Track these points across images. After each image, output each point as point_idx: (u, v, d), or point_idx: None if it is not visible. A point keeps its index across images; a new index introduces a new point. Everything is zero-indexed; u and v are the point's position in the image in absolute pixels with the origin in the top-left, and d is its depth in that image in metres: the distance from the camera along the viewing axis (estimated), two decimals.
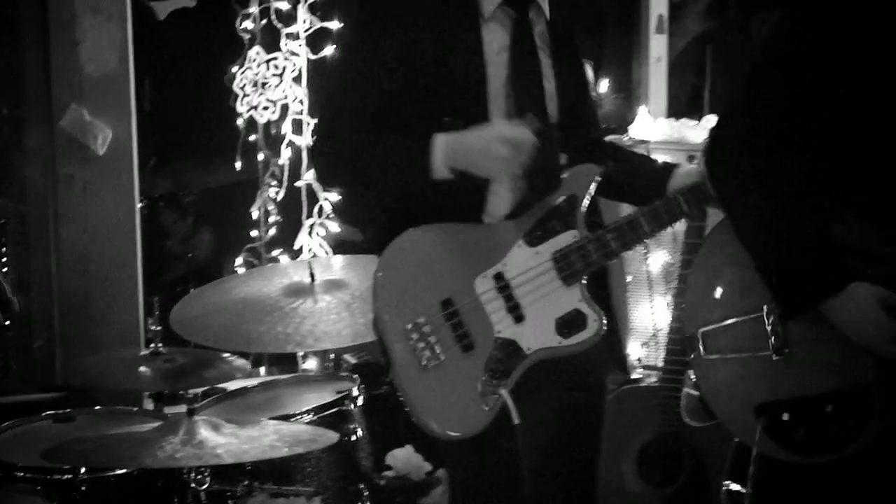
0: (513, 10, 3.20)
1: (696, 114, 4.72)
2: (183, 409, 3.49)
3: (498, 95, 3.18)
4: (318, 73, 4.84)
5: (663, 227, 3.23)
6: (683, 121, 4.61)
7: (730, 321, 2.99)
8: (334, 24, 4.88)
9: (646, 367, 4.69)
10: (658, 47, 4.97)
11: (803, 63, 2.84)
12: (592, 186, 3.22)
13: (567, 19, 3.36)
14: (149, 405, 4.23)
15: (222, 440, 3.29)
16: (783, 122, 2.85)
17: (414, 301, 3.08)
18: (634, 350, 4.79)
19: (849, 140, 2.86)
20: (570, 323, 3.13)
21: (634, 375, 4.62)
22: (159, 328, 3.91)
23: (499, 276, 3.13)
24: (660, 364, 4.22)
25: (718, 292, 3.02)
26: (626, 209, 3.30)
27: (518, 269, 3.15)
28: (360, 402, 3.98)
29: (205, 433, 3.29)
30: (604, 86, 4.70)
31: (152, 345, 3.90)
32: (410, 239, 3.11)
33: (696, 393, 3.97)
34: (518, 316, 3.13)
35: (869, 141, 2.86)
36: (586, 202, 3.21)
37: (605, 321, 3.11)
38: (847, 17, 2.81)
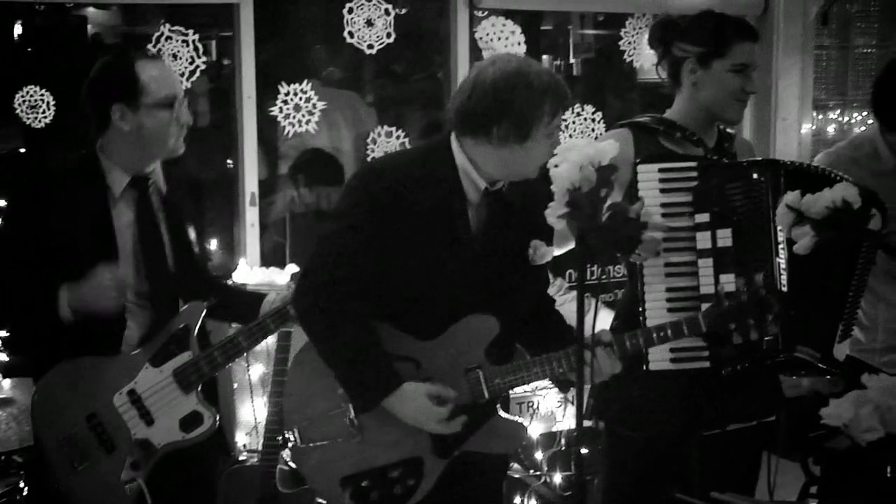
0: (136, 190, 3.19)
1: (281, 264, 4.75)
2: None
3: (128, 257, 3.16)
4: None
5: (257, 342, 3.28)
6: (272, 269, 4.63)
7: (319, 418, 2.96)
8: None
9: (249, 451, 4.60)
10: (252, 216, 4.99)
11: (360, 229, 2.86)
12: (201, 317, 3.23)
13: (179, 197, 3.36)
14: None
15: None
16: (341, 273, 2.86)
17: (65, 418, 3.07)
18: (241, 438, 4.69)
19: (393, 284, 2.92)
20: (190, 421, 3.15)
21: (241, 458, 4.53)
22: None
23: (132, 392, 3.13)
24: (259, 448, 4.14)
25: (309, 396, 2.99)
26: None
27: (147, 384, 3.15)
28: (25, 492, 3.80)
29: None
30: (214, 244, 4.67)
31: None
32: (61, 371, 3.09)
33: (286, 468, 3.95)
34: (149, 420, 3.13)
35: (402, 281, 2.92)
36: (196, 330, 3.22)
37: (217, 416, 3.14)
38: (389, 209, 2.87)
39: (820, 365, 3.18)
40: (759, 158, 3.35)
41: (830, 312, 3.17)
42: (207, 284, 3.43)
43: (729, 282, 3.05)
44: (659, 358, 3.15)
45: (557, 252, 3.25)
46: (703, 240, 3.13)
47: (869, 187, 3.10)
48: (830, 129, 6.40)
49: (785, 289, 3.08)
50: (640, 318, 3.15)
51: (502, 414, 3.02)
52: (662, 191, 3.16)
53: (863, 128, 6.08)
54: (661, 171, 3.15)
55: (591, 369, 2.81)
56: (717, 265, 3.11)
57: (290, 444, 3.00)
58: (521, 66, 2.85)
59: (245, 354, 4.45)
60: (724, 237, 3.12)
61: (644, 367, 3.15)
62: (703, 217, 3.14)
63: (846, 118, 6.44)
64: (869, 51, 6.41)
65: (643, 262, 3.12)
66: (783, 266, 3.08)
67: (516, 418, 3.10)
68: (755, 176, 3.12)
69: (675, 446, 3.30)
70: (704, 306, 3.00)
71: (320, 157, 5.55)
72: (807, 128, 6.15)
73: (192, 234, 3.38)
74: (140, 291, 3.20)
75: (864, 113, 6.33)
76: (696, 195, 3.14)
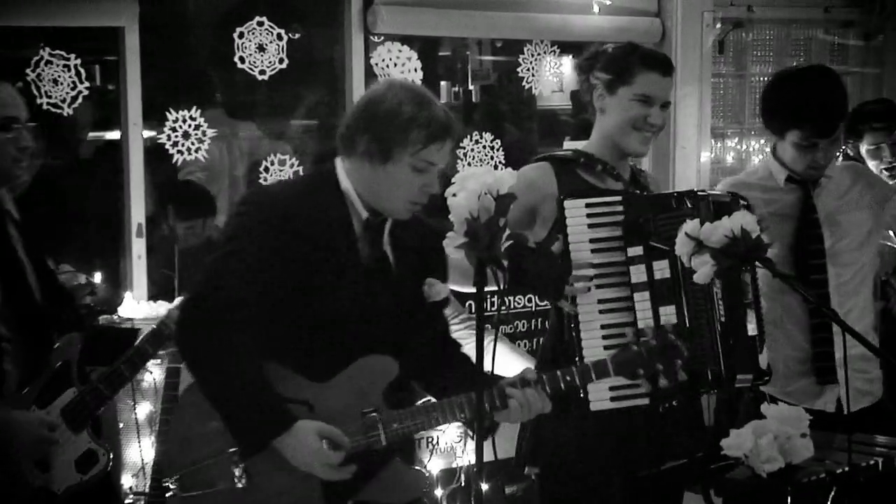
0: None
1: (171, 297, 4.65)
2: None
3: None
4: None
5: (139, 369, 3.21)
6: (160, 302, 4.54)
7: (200, 464, 2.76)
8: None
9: (136, 494, 4.49)
10: (139, 248, 4.89)
11: (244, 257, 2.75)
12: (78, 350, 3.14)
13: (35, 224, 3.27)
14: None
15: None
16: (225, 302, 2.73)
17: None
18: (127, 480, 4.57)
19: (281, 318, 2.80)
20: (86, 461, 3.06)
21: (127, 501, 4.42)
22: None
23: None
24: (147, 490, 4.03)
25: (191, 441, 2.80)
26: None
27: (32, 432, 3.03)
28: None
29: None
30: (98, 277, 4.54)
31: None
32: None
33: None
34: (44, 467, 3.00)
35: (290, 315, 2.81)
36: (76, 364, 3.13)
37: (111, 453, 3.08)
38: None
39: (755, 384, 3.24)
40: (685, 190, 3.35)
41: (748, 328, 3.18)
42: (77, 314, 3.33)
43: (669, 314, 3.08)
44: (599, 398, 3.11)
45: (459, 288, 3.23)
46: (637, 273, 3.13)
47: (758, 203, 3.25)
48: (729, 157, 6.51)
49: (723, 319, 3.10)
50: (577, 357, 3.11)
51: (400, 462, 2.86)
52: (591, 226, 3.15)
53: (761, 156, 6.20)
54: (588, 206, 3.15)
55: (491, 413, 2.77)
56: (655, 298, 3.11)
57: (169, 494, 2.79)
58: (402, 90, 2.80)
59: (132, 393, 4.39)
60: (662, 269, 3.12)
61: (572, 409, 3.10)
62: (636, 250, 3.14)
63: (744, 146, 6.56)
64: (765, 79, 6.54)
65: (575, 301, 3.10)
66: (720, 295, 3.10)
67: (416, 467, 2.99)
68: (688, 205, 3.14)
69: (609, 487, 3.27)
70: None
71: (204, 188, 5.46)
72: (706, 156, 6.23)
73: (49, 262, 3.27)
74: (10, 325, 3.05)
75: (763, 140, 6.46)
76: (626, 228, 3.15)
